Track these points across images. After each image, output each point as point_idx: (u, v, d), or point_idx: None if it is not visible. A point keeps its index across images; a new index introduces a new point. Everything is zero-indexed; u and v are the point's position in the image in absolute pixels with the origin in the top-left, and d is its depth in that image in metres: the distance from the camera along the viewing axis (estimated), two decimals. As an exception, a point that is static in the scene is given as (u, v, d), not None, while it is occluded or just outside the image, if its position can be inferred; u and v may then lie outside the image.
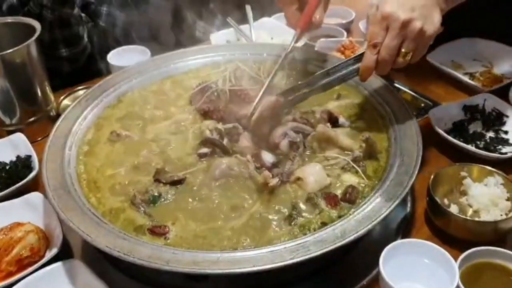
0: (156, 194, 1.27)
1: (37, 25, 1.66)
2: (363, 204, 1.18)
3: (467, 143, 1.55)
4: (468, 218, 1.30)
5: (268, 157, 1.32)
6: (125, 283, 1.24)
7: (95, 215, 1.19)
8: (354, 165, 1.30)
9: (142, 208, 1.24)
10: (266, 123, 1.38)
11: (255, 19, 2.18)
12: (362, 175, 1.28)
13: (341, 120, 1.45)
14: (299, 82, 1.44)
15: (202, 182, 1.30)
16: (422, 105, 1.81)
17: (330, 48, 2.00)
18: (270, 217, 1.20)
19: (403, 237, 1.33)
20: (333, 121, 1.43)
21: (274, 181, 1.25)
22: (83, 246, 1.34)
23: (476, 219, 1.31)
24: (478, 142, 1.58)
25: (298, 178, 1.27)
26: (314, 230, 1.15)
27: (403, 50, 1.27)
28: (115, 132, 1.45)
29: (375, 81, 1.56)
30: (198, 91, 1.57)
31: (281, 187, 1.27)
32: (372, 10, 1.29)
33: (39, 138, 1.72)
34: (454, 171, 1.41)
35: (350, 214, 1.16)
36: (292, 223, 1.18)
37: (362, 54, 1.33)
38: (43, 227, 1.35)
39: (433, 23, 1.27)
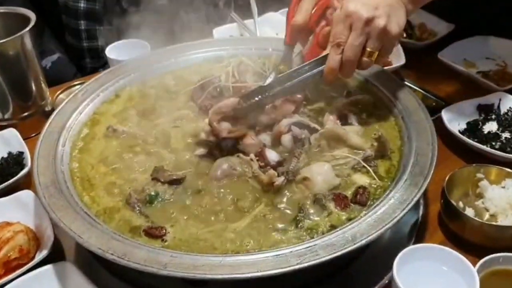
0: (153, 193, 1.19)
1: (32, 15, 1.59)
2: (375, 206, 1.10)
3: (482, 144, 1.48)
4: (486, 222, 1.23)
5: (272, 156, 1.25)
6: (119, 288, 1.16)
7: (88, 215, 1.12)
8: (365, 165, 1.22)
9: (137, 208, 1.16)
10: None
11: (259, 14, 2.11)
12: (374, 175, 1.21)
13: (351, 118, 1.37)
14: (260, 85, 1.37)
15: (203, 181, 1.23)
16: (433, 104, 1.74)
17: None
18: (275, 219, 1.13)
19: (415, 242, 1.25)
20: (342, 119, 1.36)
21: (279, 180, 1.17)
22: (75, 248, 1.27)
23: (494, 223, 1.24)
24: (494, 143, 1.50)
25: (305, 178, 1.19)
26: (323, 234, 1.07)
27: (368, 49, 1.25)
28: (112, 127, 1.38)
29: (387, 78, 1.49)
30: (199, 86, 1.50)
31: (287, 186, 1.19)
32: (336, 11, 1.27)
33: (33, 134, 1.64)
34: (470, 173, 1.33)
35: (361, 217, 1.08)
36: (299, 226, 1.10)
37: (325, 56, 1.28)
38: (34, 227, 1.28)
39: (397, 22, 1.25)
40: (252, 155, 1.23)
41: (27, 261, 1.20)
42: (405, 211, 1.07)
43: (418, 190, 1.12)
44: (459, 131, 1.53)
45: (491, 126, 1.56)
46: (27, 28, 1.54)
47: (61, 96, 1.81)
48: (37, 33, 1.69)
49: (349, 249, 0.99)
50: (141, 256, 1.00)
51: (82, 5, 2.24)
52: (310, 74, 1.31)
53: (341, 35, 1.24)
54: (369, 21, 1.21)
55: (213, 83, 1.49)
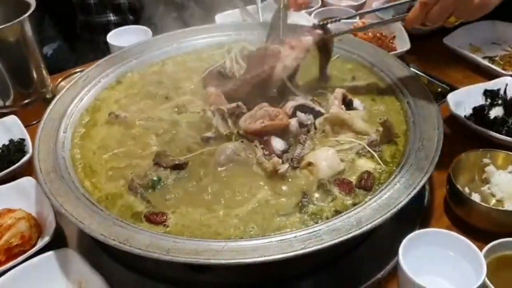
0: (155, 178, 1.18)
1: (31, 1, 1.57)
2: (380, 191, 1.09)
3: (488, 129, 1.45)
4: (493, 207, 1.21)
5: (278, 145, 1.23)
6: (121, 275, 1.15)
7: (89, 201, 1.11)
8: (370, 150, 1.21)
9: (140, 193, 1.15)
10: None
11: (262, -1, 2.08)
12: (379, 160, 1.19)
13: (356, 102, 1.35)
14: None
15: (206, 167, 1.21)
16: (439, 89, 1.72)
17: (342, 30, 1.89)
18: (279, 204, 1.11)
19: (421, 228, 1.23)
20: (347, 104, 1.34)
21: (284, 168, 1.16)
22: (77, 235, 1.26)
23: (501, 208, 1.22)
24: (500, 128, 1.47)
25: (310, 163, 1.18)
26: (327, 219, 1.06)
27: (451, 17, 1.21)
28: (114, 114, 1.37)
29: (392, 63, 1.47)
30: (211, 73, 1.48)
31: (291, 172, 1.18)
32: None
33: (34, 122, 1.62)
34: (476, 158, 1.31)
35: (366, 202, 1.07)
36: (303, 211, 1.09)
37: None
38: (35, 214, 1.27)
39: None
40: (256, 142, 1.22)
41: (28, 248, 1.19)
42: (410, 195, 1.06)
43: (423, 175, 1.10)
44: (465, 116, 1.50)
45: (497, 111, 1.53)
46: (27, 14, 1.52)
47: (62, 83, 1.79)
48: (37, 21, 1.66)
49: (354, 233, 0.98)
50: (144, 241, 0.99)
51: None
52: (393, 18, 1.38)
53: None
54: None
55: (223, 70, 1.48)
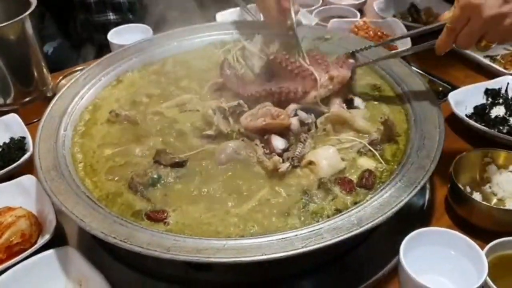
0: (155, 176, 1.18)
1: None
2: (381, 190, 1.09)
3: (489, 128, 1.45)
4: (494, 206, 1.21)
5: (278, 143, 1.22)
6: (122, 273, 1.15)
7: (90, 199, 1.10)
8: (371, 148, 1.20)
9: (140, 192, 1.15)
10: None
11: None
12: (380, 159, 1.19)
13: (357, 101, 1.35)
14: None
15: (206, 165, 1.21)
16: (440, 88, 1.72)
17: (343, 29, 1.89)
18: (279, 203, 1.11)
19: (421, 227, 1.23)
20: (348, 102, 1.33)
21: (284, 167, 1.15)
22: (78, 233, 1.26)
23: (502, 207, 1.22)
24: (501, 127, 1.48)
25: (310, 162, 1.17)
26: (328, 217, 1.05)
27: (483, 41, 1.19)
28: (114, 112, 1.36)
29: (394, 62, 1.47)
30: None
31: (292, 171, 1.18)
32: None
33: (35, 120, 1.62)
34: (477, 157, 1.31)
35: (367, 200, 1.07)
36: (303, 210, 1.08)
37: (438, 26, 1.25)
38: (36, 212, 1.27)
39: None
40: (257, 140, 1.21)
41: (29, 246, 1.18)
42: (412, 194, 1.06)
43: (425, 173, 1.10)
44: (466, 115, 1.50)
45: (498, 110, 1.54)
46: (28, 12, 1.52)
47: (62, 81, 1.78)
48: (38, 19, 1.66)
49: (355, 232, 0.98)
50: (144, 239, 0.99)
51: None
52: (423, 46, 1.33)
53: (458, 22, 1.17)
54: (491, 19, 1.12)
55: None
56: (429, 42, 1.29)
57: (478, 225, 1.21)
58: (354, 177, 1.16)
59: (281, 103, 1.31)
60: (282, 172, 1.15)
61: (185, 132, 1.32)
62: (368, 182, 1.13)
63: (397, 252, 1.03)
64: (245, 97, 1.34)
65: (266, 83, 1.37)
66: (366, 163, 1.19)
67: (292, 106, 1.28)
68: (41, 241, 1.16)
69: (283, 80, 1.34)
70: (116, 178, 1.19)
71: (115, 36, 1.82)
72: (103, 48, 1.91)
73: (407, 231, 1.13)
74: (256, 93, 1.33)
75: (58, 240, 1.20)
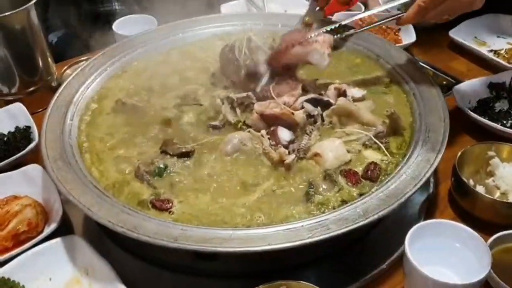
0: (162, 166, 1.18)
1: (37, -13, 1.56)
2: (387, 182, 1.09)
3: (493, 122, 1.46)
4: (497, 199, 1.22)
5: (284, 135, 1.23)
6: (128, 262, 1.16)
7: (97, 188, 1.11)
8: (377, 141, 1.21)
9: (146, 180, 1.15)
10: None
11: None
12: (385, 151, 1.19)
13: (352, 91, 1.35)
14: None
15: (213, 156, 1.22)
16: (444, 82, 1.72)
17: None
18: (285, 194, 1.12)
19: (426, 219, 1.24)
20: (342, 95, 1.34)
21: (290, 158, 1.16)
22: (84, 222, 1.26)
23: (505, 200, 1.23)
24: (505, 121, 1.48)
25: (316, 154, 1.18)
26: (333, 208, 1.06)
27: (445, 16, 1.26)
28: (121, 101, 1.37)
29: (398, 55, 1.47)
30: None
31: (297, 162, 1.18)
32: None
33: (40, 110, 1.63)
34: (481, 150, 1.32)
35: (373, 192, 1.07)
36: (309, 201, 1.09)
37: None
38: (42, 201, 1.28)
39: None
40: (263, 131, 1.22)
41: (35, 235, 1.19)
42: (417, 187, 1.06)
43: (430, 166, 1.11)
44: (470, 109, 1.51)
45: (502, 104, 1.55)
46: (33, 1, 1.52)
47: (67, 71, 1.78)
48: (43, 8, 1.66)
49: (361, 223, 0.99)
50: (151, 229, 0.99)
51: None
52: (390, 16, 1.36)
53: (432, 4, 1.21)
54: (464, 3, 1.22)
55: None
56: (396, 15, 1.33)
57: (481, 218, 1.22)
58: (359, 169, 1.16)
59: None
60: (288, 164, 1.16)
61: (191, 123, 1.32)
62: (373, 174, 1.13)
63: (401, 243, 1.04)
64: (237, 84, 1.37)
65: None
66: (371, 155, 1.20)
67: (301, 98, 1.28)
68: (48, 230, 1.17)
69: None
70: (122, 167, 1.20)
71: (120, 26, 1.82)
72: (108, 38, 1.91)
73: (411, 222, 1.14)
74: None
75: (64, 229, 1.21)
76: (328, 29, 1.37)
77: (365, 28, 1.46)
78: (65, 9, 2.33)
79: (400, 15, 1.30)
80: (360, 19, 1.89)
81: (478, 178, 1.31)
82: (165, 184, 1.15)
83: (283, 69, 1.37)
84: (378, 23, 1.44)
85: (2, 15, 1.46)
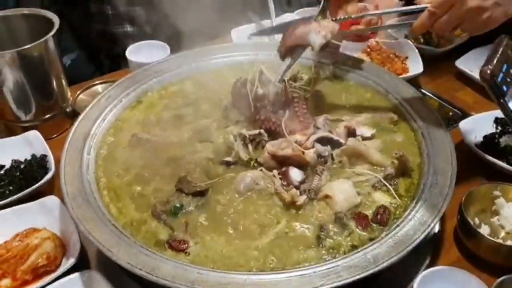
0: (177, 205, 1.22)
1: (55, 19, 1.59)
2: (396, 227, 1.13)
3: (498, 158, 1.49)
4: (501, 242, 1.25)
5: (296, 175, 1.26)
6: (144, 298, 1.20)
7: (115, 227, 1.14)
8: (386, 183, 1.24)
9: (163, 220, 1.19)
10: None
11: (277, 14, 2.10)
12: (394, 194, 1.23)
13: (361, 130, 1.38)
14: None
15: (226, 195, 1.26)
16: (450, 113, 1.76)
17: (356, 49, 1.93)
18: (297, 237, 1.16)
19: (431, 258, 1.28)
20: (352, 134, 1.38)
21: (301, 199, 1.20)
22: (101, 255, 1.29)
23: (509, 242, 1.26)
24: (510, 157, 1.51)
25: (327, 196, 1.22)
26: (344, 253, 1.10)
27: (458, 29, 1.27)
28: (136, 136, 1.40)
29: (407, 91, 1.51)
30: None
31: (308, 203, 1.22)
32: None
33: (55, 135, 1.67)
34: (487, 190, 1.35)
35: (382, 238, 1.11)
36: (321, 245, 1.13)
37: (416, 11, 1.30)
38: (59, 233, 1.31)
39: (505, 12, 1.22)
40: (275, 171, 1.26)
41: (54, 268, 1.23)
42: (425, 233, 1.10)
43: (438, 212, 1.14)
44: (475, 144, 1.54)
45: (508, 140, 1.57)
46: (52, 33, 1.55)
47: (81, 96, 1.82)
48: (58, 31, 1.69)
49: (371, 271, 1.02)
50: (169, 271, 1.03)
51: None
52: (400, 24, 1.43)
53: (440, 7, 1.23)
54: (472, 10, 1.21)
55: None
56: (407, 22, 1.35)
57: (486, 259, 1.25)
58: (369, 212, 1.20)
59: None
60: (299, 205, 1.20)
61: (204, 158, 1.35)
62: (383, 219, 1.17)
63: (407, 282, 1.08)
64: (249, 118, 1.41)
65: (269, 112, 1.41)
66: (381, 198, 1.23)
67: (312, 137, 1.32)
68: (67, 265, 1.21)
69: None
70: (139, 205, 1.24)
71: (133, 52, 1.85)
72: (120, 60, 1.95)
73: (417, 262, 1.17)
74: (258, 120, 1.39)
75: (80, 260, 1.24)
76: (337, 18, 1.42)
77: (374, 27, 1.50)
78: (78, 31, 2.36)
79: (411, 21, 1.31)
80: (369, 47, 1.94)
81: (484, 217, 1.34)
82: (180, 224, 1.19)
83: (288, 51, 1.42)
84: (388, 26, 1.47)
85: (23, 48, 1.49)
